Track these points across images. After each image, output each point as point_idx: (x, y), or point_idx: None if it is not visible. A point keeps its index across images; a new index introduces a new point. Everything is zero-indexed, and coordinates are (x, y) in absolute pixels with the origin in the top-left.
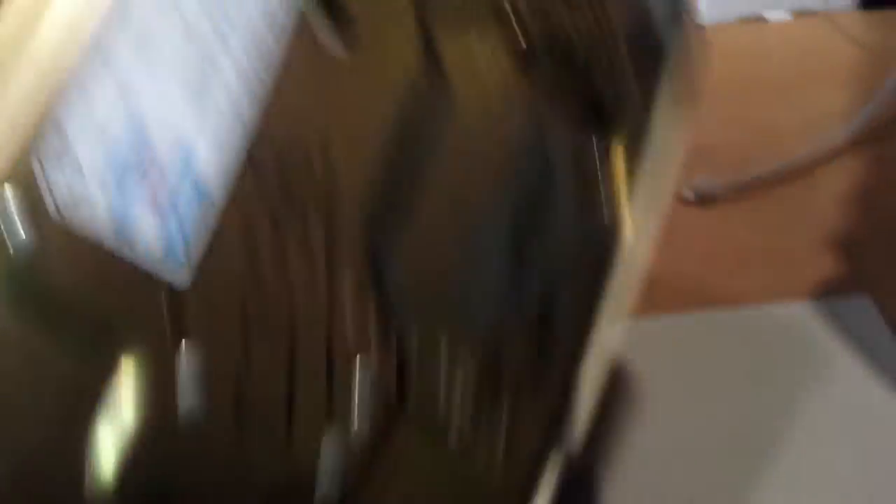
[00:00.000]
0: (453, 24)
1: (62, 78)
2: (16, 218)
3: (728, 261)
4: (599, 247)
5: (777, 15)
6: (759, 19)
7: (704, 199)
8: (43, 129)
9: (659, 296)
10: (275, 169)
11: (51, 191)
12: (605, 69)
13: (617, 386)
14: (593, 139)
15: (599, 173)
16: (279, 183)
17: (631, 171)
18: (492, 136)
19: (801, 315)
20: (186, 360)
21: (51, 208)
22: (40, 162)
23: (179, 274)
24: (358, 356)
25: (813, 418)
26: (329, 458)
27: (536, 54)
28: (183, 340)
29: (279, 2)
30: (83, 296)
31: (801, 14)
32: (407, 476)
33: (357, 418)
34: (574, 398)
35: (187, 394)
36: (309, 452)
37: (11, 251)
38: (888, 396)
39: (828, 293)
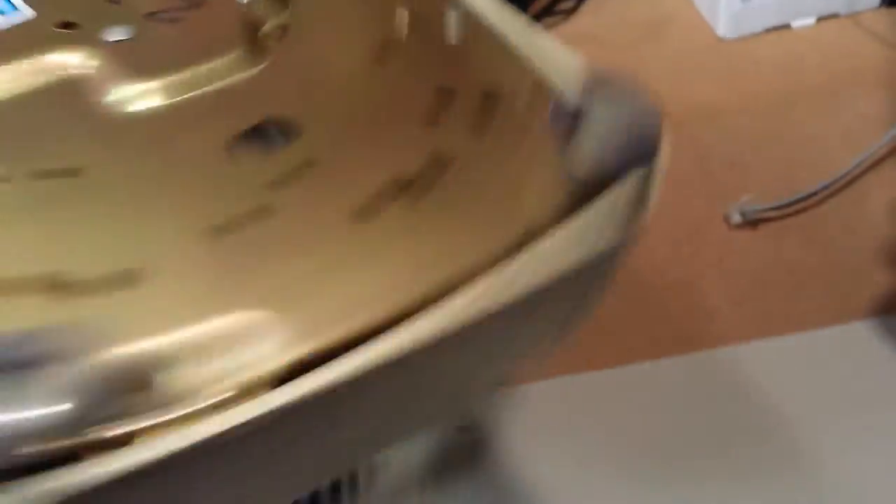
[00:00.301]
0: None
1: None
2: None
3: (784, 283)
4: None
5: (802, 22)
6: (785, 27)
7: (752, 221)
8: None
9: (719, 328)
10: None
11: None
12: None
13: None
14: None
15: None
16: None
17: None
18: None
19: (863, 334)
20: None
21: None
22: None
23: None
24: None
25: (889, 438)
26: None
27: None
28: None
29: None
30: None
31: (825, 18)
32: None
33: None
34: None
35: None
36: None
37: None
38: None
39: (888, 309)
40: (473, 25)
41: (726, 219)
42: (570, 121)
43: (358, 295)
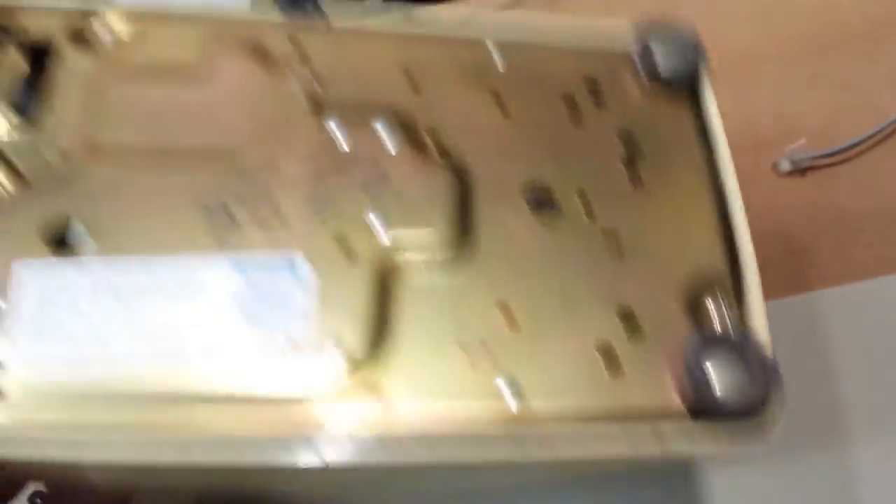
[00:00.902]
0: None
1: None
2: None
3: (838, 233)
4: None
5: None
6: None
7: (801, 169)
8: None
9: (770, 280)
10: None
11: None
12: None
13: None
14: None
15: None
16: None
17: None
18: None
19: None
20: None
21: None
22: None
23: None
24: None
25: None
26: None
27: None
28: None
29: None
30: None
31: None
32: None
33: None
34: None
35: None
36: None
37: None
38: None
39: None
40: None
41: (775, 167)
42: None
43: None
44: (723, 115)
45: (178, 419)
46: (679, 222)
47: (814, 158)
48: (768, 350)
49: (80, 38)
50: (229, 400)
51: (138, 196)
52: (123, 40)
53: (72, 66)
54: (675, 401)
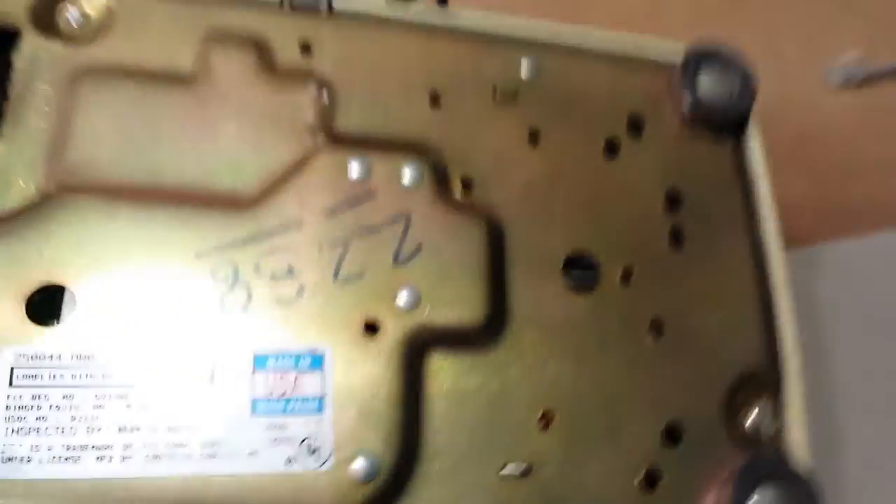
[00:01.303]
0: None
1: None
2: None
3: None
4: None
5: None
6: None
7: (856, 83)
8: None
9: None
10: None
11: None
12: None
13: None
14: None
15: None
16: None
17: None
18: None
19: None
20: None
21: None
22: None
23: None
24: None
25: None
26: None
27: None
28: None
29: None
30: None
31: None
32: None
33: None
34: None
35: None
36: None
37: None
38: None
39: None
40: None
41: (826, 79)
42: None
43: None
44: (773, 22)
45: None
46: (723, 305)
47: (867, 72)
48: (808, 471)
49: (48, 27)
50: None
51: (125, 246)
52: (101, 33)
53: (41, 64)
54: None
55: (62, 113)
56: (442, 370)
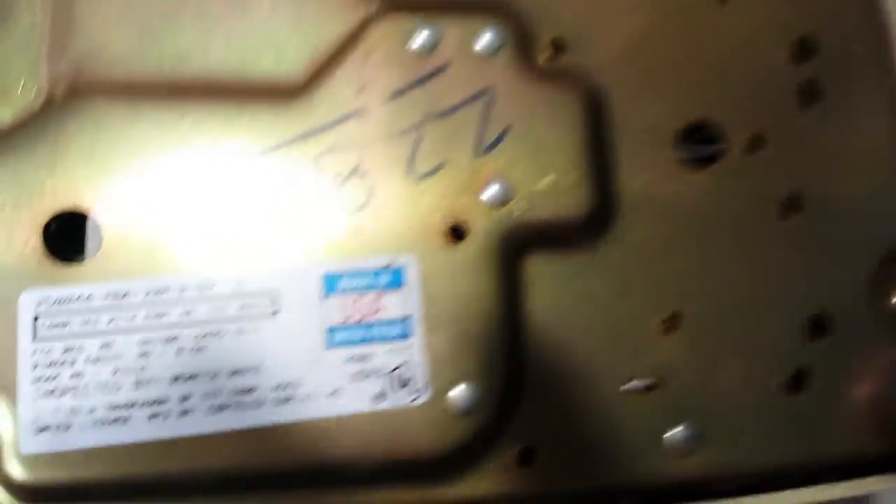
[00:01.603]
0: None
1: None
2: None
3: None
4: None
5: None
6: None
7: None
8: None
9: None
10: None
11: None
12: None
13: None
14: None
15: None
16: None
17: None
18: None
19: None
20: None
21: None
22: None
23: None
24: None
25: None
26: None
27: None
28: None
29: None
30: None
31: None
32: None
33: None
34: None
35: None
36: None
37: None
38: None
39: None
40: None
41: None
42: None
43: None
44: None
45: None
46: (866, 169)
47: None
48: None
49: None
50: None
51: (151, 156)
52: None
53: None
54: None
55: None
56: (543, 275)
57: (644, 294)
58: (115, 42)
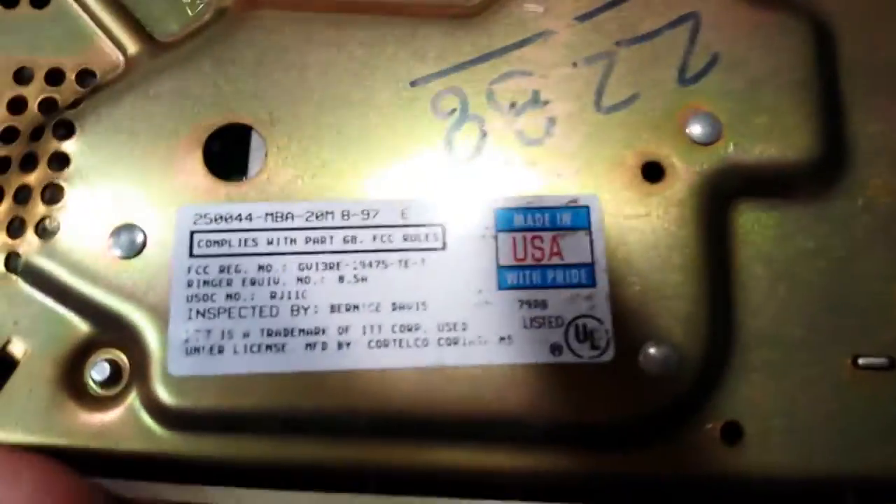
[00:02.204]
0: None
1: None
2: None
3: None
4: None
5: None
6: None
7: None
8: None
9: None
10: None
11: None
12: None
13: None
14: None
15: None
16: None
17: None
18: None
19: None
20: None
21: None
22: None
23: None
24: None
25: None
26: None
27: None
28: None
29: None
30: None
31: None
32: None
33: None
34: None
35: None
36: None
37: None
38: None
39: None
40: None
41: None
42: None
43: None
44: None
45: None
46: None
47: None
48: None
49: None
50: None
51: (323, 73)
52: None
53: None
54: None
55: None
56: (757, 228)
57: (886, 254)
58: None
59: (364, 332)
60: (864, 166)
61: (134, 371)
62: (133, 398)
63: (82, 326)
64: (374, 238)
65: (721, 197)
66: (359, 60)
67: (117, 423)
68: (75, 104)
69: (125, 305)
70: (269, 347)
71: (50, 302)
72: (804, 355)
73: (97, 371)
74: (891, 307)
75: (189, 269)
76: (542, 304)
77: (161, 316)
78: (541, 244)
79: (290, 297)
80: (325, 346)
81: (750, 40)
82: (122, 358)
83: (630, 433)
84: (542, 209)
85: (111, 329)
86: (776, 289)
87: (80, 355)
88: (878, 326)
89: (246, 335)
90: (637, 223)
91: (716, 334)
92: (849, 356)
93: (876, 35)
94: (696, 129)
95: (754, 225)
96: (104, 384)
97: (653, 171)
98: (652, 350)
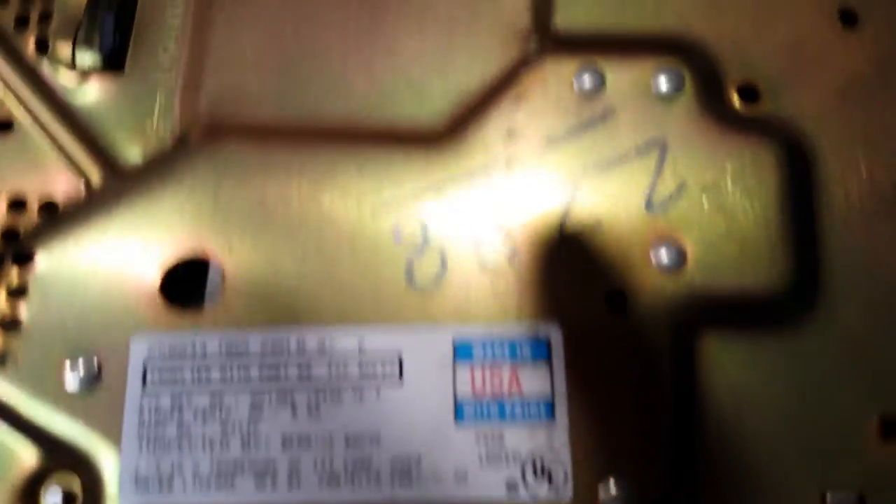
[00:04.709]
0: None
1: None
2: None
3: None
4: None
5: None
6: None
7: None
8: None
9: None
10: None
11: None
12: None
13: None
14: None
15: None
16: None
17: None
18: None
19: None
20: None
21: None
22: None
23: None
24: None
25: None
26: None
27: None
28: None
29: None
30: None
31: None
32: None
33: None
34: None
35: None
36: None
37: None
38: None
39: None
40: None
41: None
42: None
43: None
44: None
45: None
46: None
47: None
48: None
49: None
50: None
51: (283, 202)
52: None
53: None
54: None
55: (197, 37)
56: (723, 357)
57: (858, 388)
58: (250, 82)
59: (315, 467)
60: (841, 289)
61: (87, 499)
62: None
63: (36, 453)
64: (330, 368)
65: (686, 326)
66: (319, 188)
67: None
68: (35, 233)
69: (80, 435)
70: (218, 481)
71: (4, 428)
72: (772, 491)
73: (51, 495)
74: (862, 442)
75: (142, 401)
76: (500, 439)
77: (116, 445)
78: (499, 377)
79: (241, 430)
80: (274, 480)
81: (719, 165)
82: (77, 484)
83: None
84: (501, 341)
85: (66, 455)
86: (741, 420)
87: (33, 483)
88: (848, 462)
89: (196, 468)
90: (601, 355)
91: (676, 469)
92: (817, 493)
93: (853, 160)
94: (661, 257)
95: (720, 355)
96: None
97: (616, 300)
98: (612, 488)
